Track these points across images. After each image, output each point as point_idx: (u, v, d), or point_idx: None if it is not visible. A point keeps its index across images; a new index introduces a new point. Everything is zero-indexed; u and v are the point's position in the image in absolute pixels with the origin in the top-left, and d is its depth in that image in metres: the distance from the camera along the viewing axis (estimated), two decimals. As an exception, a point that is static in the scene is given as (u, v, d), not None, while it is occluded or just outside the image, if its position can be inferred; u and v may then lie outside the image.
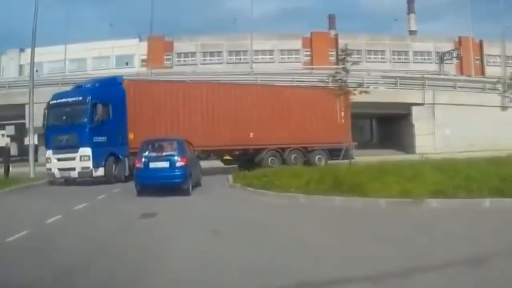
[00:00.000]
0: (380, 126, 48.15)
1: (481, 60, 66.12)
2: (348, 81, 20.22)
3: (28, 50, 56.40)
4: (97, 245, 8.77)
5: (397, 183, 13.79)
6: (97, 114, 21.59)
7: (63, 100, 22.78)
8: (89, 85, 23.66)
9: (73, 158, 21.45)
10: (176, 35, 63.61)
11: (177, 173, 16.22)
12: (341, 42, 61.87)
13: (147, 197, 15.65)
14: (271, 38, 63.29)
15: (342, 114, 28.83)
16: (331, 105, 28.40)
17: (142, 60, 57.66)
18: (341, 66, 19.71)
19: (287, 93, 29.29)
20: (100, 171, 21.45)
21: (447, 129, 41.04)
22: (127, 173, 22.07)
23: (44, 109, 23.20)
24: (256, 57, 60.46)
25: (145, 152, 16.76)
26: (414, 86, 42.59)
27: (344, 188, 13.80)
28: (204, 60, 61.68)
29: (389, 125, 46.05)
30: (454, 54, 60.91)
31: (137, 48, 53.88)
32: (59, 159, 21.92)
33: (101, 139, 21.76)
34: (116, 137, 22.34)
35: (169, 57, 61.94)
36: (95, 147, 21.41)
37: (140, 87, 25.13)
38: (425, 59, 66.36)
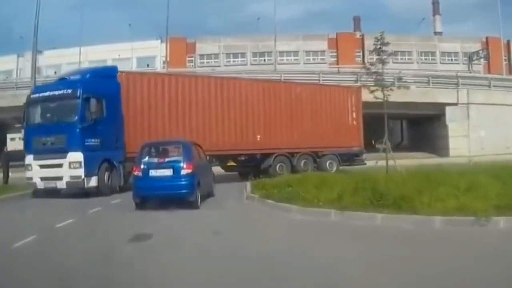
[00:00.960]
0: (411, 127, 45.14)
1: (509, 60, 63.44)
2: (385, 74, 16.98)
3: (46, 52, 56.35)
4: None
5: (451, 196, 11.01)
6: (90, 111, 17.38)
7: (48, 93, 18.24)
8: (78, 76, 19.29)
9: (60, 165, 17.19)
10: (199, 37, 61.51)
11: (183, 182, 13.27)
12: (367, 43, 59.72)
13: (147, 211, 12.88)
14: (295, 39, 61.76)
15: (354, 115, 26.09)
16: (342, 105, 25.95)
17: (164, 62, 55.29)
18: (376, 57, 16.61)
19: (297, 90, 25.47)
20: (93, 181, 17.28)
21: (482, 130, 38.01)
22: (122, 182, 18.49)
23: (24, 105, 19.12)
24: (281, 58, 58.74)
25: (144, 157, 13.88)
26: (447, 85, 39.38)
27: (386, 201, 10.78)
28: (227, 61, 59.54)
29: (420, 127, 43.00)
30: (481, 54, 59.42)
31: (158, 50, 51.74)
32: (42, 166, 17.62)
33: (94, 141, 17.70)
34: (111, 139, 18.40)
35: (192, 58, 59.77)
36: (87, 151, 17.26)
37: (137, 80, 20.78)
38: (452, 59, 64.57)
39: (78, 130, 17.31)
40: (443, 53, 65.01)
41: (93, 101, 17.43)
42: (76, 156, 17.07)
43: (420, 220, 9.88)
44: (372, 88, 16.50)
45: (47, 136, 17.62)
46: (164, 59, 54.44)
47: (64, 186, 17.33)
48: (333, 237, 9.28)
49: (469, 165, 16.60)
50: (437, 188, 11.67)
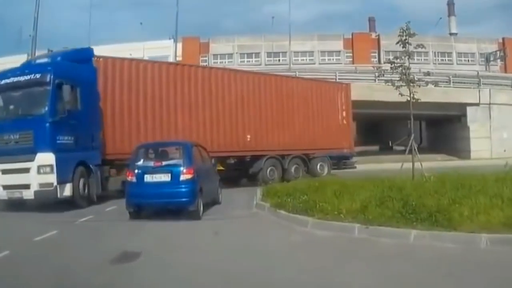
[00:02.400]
0: (430, 128, 43.32)
1: (525, 60, 61.10)
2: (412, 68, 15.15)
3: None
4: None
5: (494, 207, 9.20)
6: (63, 101, 13.64)
7: (10, 80, 14.27)
8: (47, 59, 15.47)
9: (27, 170, 13.38)
10: (213, 37, 60.17)
11: (182, 189, 11.47)
12: (383, 43, 58.15)
13: (142, 221, 11.19)
14: (310, 39, 60.12)
15: (344, 114, 23.99)
16: (332, 102, 23.64)
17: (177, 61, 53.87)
18: (402, 49, 14.80)
19: (289, 85, 22.62)
20: (68, 190, 13.60)
21: (504, 131, 36.33)
22: (100, 190, 15.09)
23: None
24: (296, 58, 57.34)
25: (139, 160, 12.09)
26: (469, 85, 37.55)
27: (420, 214, 8.96)
28: (241, 61, 57.97)
29: (440, 128, 41.17)
30: (498, 55, 58.16)
31: (171, 49, 50.23)
32: (3, 172, 13.71)
33: (68, 139, 14.04)
34: (86, 137, 14.86)
35: (205, 58, 58.16)
36: (60, 152, 13.47)
37: (117, 67, 17.29)
38: (468, 60, 62.69)
39: (48, 125, 13.53)
40: (459, 54, 63.52)
41: (66, 88, 13.72)
42: (47, 158, 13.28)
43: (462, 238, 8.11)
44: (397, 84, 14.68)
45: (10, 134, 13.88)
46: (177, 59, 53.12)
47: (32, 196, 13.36)
48: (359, 259, 7.48)
49: (505, 169, 14.67)
50: (476, 198, 9.92)
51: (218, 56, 58.37)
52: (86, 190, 14.28)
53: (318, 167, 22.06)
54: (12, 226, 10.96)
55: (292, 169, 21.04)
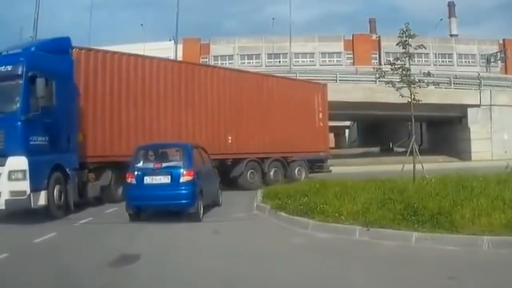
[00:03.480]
0: (431, 130, 43.13)
1: (526, 62, 61.32)
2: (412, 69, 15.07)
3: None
4: None
5: (496, 209, 9.17)
6: (37, 96, 11.88)
7: None
8: (19, 50, 13.24)
9: None
10: (213, 38, 60.14)
11: (182, 191, 11.33)
12: (383, 44, 58.12)
13: (142, 224, 11.08)
14: (311, 40, 60.40)
15: (321, 115, 22.99)
16: (310, 103, 22.59)
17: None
18: (402, 51, 14.75)
19: (269, 83, 21.50)
20: (42, 198, 11.74)
21: (505, 133, 36.20)
22: (77, 198, 13.23)
23: None
24: (296, 59, 57.52)
25: (139, 162, 11.95)
26: (469, 87, 37.45)
27: (422, 216, 8.90)
28: (242, 63, 57.97)
29: (440, 129, 41.00)
30: (498, 57, 58.81)
31: (171, 50, 50.17)
32: None
33: (42, 140, 12.25)
34: (63, 137, 13.03)
35: (206, 59, 58.12)
36: (33, 155, 11.62)
37: (99, 60, 15.75)
38: (469, 61, 63.13)
39: (20, 123, 11.75)
40: (460, 55, 63.89)
41: (40, 82, 11.92)
42: (18, 162, 11.48)
43: (464, 240, 8.07)
44: (398, 85, 14.61)
45: None
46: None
47: (3, 206, 11.53)
48: (360, 262, 7.42)
49: (506, 171, 14.64)
50: (477, 200, 9.91)
51: (219, 57, 58.43)
52: (62, 198, 12.49)
53: (296, 171, 21.23)
54: (12, 228, 10.87)
55: (272, 173, 20.18)
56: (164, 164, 11.82)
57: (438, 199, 10.11)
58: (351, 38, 61.89)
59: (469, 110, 36.48)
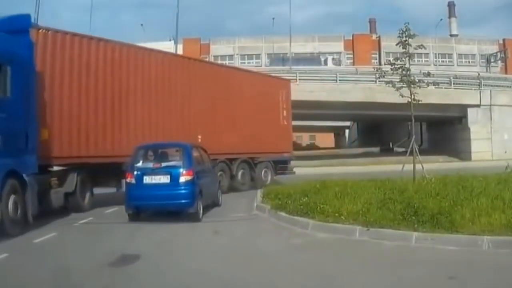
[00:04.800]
0: (431, 130, 43.04)
1: (525, 62, 61.32)
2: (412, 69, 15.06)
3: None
4: None
5: (496, 209, 9.15)
6: None
7: None
8: None
9: None
10: (213, 38, 60.21)
11: (181, 191, 11.33)
12: (384, 44, 58.09)
13: (142, 223, 11.07)
14: (311, 40, 60.31)
15: (285, 113, 21.74)
16: (275, 100, 21.36)
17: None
18: (402, 51, 14.74)
19: (237, 77, 20.30)
20: None
21: (505, 133, 36.16)
22: (36, 209, 10.54)
23: None
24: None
25: (138, 162, 11.92)
26: (469, 87, 37.33)
27: (422, 216, 8.89)
28: (242, 62, 57.88)
29: (440, 129, 40.88)
30: (498, 57, 58.62)
31: (171, 50, 50.08)
32: None
33: None
34: (19, 136, 10.60)
35: (205, 59, 58.10)
36: None
37: (66, 43, 13.38)
38: (469, 61, 63.22)
39: None
40: (460, 55, 63.92)
41: None
42: None
43: (464, 240, 8.06)
44: (398, 85, 14.61)
45: None
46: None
47: None
48: (360, 262, 7.43)
49: (506, 171, 14.64)
50: (477, 200, 9.91)
51: (219, 57, 58.31)
52: (19, 211, 10.01)
53: (262, 173, 20.13)
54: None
55: (239, 176, 18.96)
56: (163, 164, 11.77)
57: (438, 199, 10.10)
58: (351, 38, 61.88)
59: (469, 110, 36.37)
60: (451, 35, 69.03)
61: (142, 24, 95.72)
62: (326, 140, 68.28)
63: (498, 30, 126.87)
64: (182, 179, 11.36)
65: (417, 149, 15.49)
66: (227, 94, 18.88)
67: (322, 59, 54.79)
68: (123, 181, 12.27)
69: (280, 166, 21.10)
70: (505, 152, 33.24)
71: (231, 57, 59.28)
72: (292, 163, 22.03)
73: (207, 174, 13.15)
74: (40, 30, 12.76)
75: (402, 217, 9.05)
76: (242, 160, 19.09)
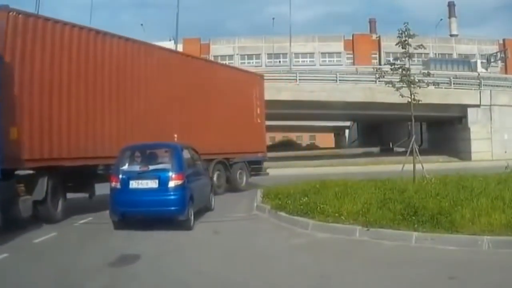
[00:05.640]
0: (431, 130, 42.97)
1: (526, 61, 61.41)
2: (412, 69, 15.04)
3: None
4: None
5: (496, 209, 9.16)
6: None
7: None
8: None
9: None
10: (213, 37, 60.30)
11: (170, 197, 10.29)
12: (384, 44, 58.14)
13: (141, 223, 10.44)
14: (311, 40, 60.35)
15: (258, 111, 20.50)
16: (249, 96, 20.10)
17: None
18: (402, 50, 14.73)
19: (212, 71, 18.72)
20: None
21: (505, 133, 36.06)
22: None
23: None
24: (296, 60, 57.34)
25: (124, 164, 10.81)
26: (469, 86, 37.27)
27: (422, 216, 8.90)
28: (242, 63, 57.98)
29: (440, 129, 40.82)
30: (498, 57, 58.91)
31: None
32: None
33: None
34: None
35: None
36: None
37: (38, 29, 11.48)
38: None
39: None
40: (460, 55, 63.79)
41: None
42: None
43: (464, 240, 8.05)
44: (398, 85, 14.59)
45: None
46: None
47: None
48: (360, 262, 7.43)
49: (506, 171, 14.63)
50: (477, 200, 9.91)
51: (219, 57, 58.40)
52: None
53: (238, 174, 18.87)
54: (12, 228, 10.80)
55: (215, 178, 17.22)
56: (151, 167, 10.70)
57: (438, 199, 10.11)
58: (351, 38, 62.04)
59: (469, 110, 36.28)
60: (451, 35, 69.13)
61: (142, 24, 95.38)
62: (326, 140, 68.28)
63: (498, 30, 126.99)
64: (171, 184, 10.35)
65: (417, 149, 15.45)
66: (202, 89, 17.46)
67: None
68: (110, 185, 10.64)
69: (254, 167, 19.90)
70: (505, 152, 33.18)
71: (231, 57, 59.38)
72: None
73: (198, 177, 12.17)
74: (11, 13, 10.88)
75: (402, 217, 9.05)
76: (218, 161, 17.74)
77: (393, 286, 6.26)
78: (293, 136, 70.14)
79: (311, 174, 21.56)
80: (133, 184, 10.40)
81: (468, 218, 8.72)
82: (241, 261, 7.69)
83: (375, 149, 45.30)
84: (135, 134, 13.81)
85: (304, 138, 73.40)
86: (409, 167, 15.29)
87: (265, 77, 22.93)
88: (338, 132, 64.91)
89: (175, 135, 15.40)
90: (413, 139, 15.49)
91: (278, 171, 24.57)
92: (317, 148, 59.97)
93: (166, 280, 6.62)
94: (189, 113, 16.67)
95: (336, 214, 9.83)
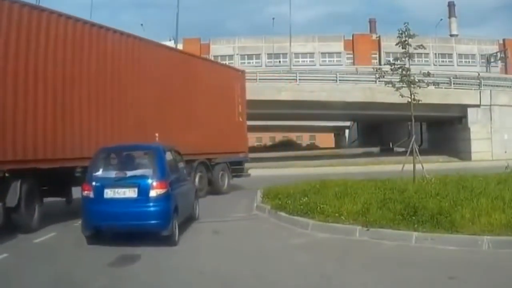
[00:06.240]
0: (430, 130, 42.91)
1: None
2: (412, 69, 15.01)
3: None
4: None
5: (496, 209, 9.17)
6: None
7: None
8: None
9: None
10: (213, 38, 60.33)
11: (151, 208, 8.75)
12: (384, 44, 58.09)
13: (104, 247, 8.60)
14: (311, 40, 60.40)
15: (240, 108, 19.58)
16: (231, 93, 19.12)
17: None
18: (402, 50, 14.70)
19: (194, 66, 17.56)
20: None
21: (505, 133, 35.92)
22: None
23: None
24: (296, 60, 57.40)
25: (97, 170, 9.24)
26: (469, 86, 37.18)
27: (422, 216, 8.90)
28: (242, 63, 57.87)
29: (440, 129, 40.75)
30: (498, 57, 59.10)
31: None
32: None
33: None
34: None
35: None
36: None
37: (14, 14, 10.34)
38: (469, 61, 63.49)
39: None
40: (460, 55, 64.00)
41: None
42: None
43: (464, 240, 8.06)
44: (398, 85, 14.57)
45: None
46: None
47: None
48: (359, 262, 7.45)
49: (506, 171, 14.62)
50: (477, 200, 9.91)
51: (219, 57, 58.36)
52: None
53: (220, 176, 17.91)
54: (12, 228, 10.74)
55: (197, 180, 16.19)
56: (129, 173, 9.13)
57: (438, 199, 10.11)
58: (351, 38, 61.95)
59: (469, 110, 36.17)
60: (451, 35, 69.03)
61: (142, 24, 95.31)
62: (326, 140, 68.28)
63: (498, 30, 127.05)
64: (153, 193, 8.82)
65: (417, 149, 15.44)
66: (183, 84, 16.46)
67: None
68: (82, 194, 9.14)
69: (235, 168, 18.94)
70: (505, 152, 33.08)
71: (231, 57, 59.28)
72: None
73: (183, 183, 10.62)
74: None
75: (402, 217, 9.06)
76: (200, 161, 16.75)
77: (393, 286, 6.27)
78: (293, 136, 70.15)
79: (311, 174, 21.49)
80: (109, 193, 8.87)
81: (468, 218, 8.74)
82: (241, 261, 7.70)
83: (375, 149, 45.27)
84: (115, 133, 12.84)
85: (304, 138, 73.37)
86: (409, 167, 15.28)
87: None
88: (338, 132, 64.91)
89: (157, 134, 14.47)
90: (413, 139, 15.48)
91: (278, 171, 24.59)
92: (317, 148, 59.98)
93: (166, 280, 6.65)
94: (170, 110, 15.59)
95: (336, 214, 9.84)
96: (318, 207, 10.43)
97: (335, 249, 8.40)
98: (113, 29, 13.65)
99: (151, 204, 8.80)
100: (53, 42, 11.23)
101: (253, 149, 58.45)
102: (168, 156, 10.08)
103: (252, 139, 70.63)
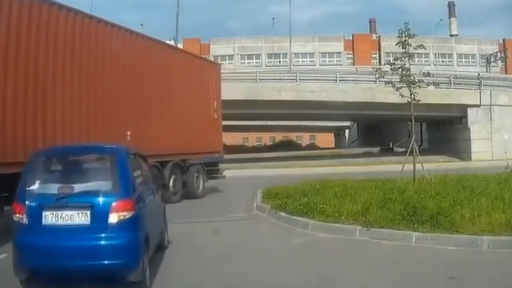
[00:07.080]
0: (430, 130, 42.95)
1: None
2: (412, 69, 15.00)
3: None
4: None
5: (496, 209, 9.17)
6: None
7: None
8: None
9: None
10: (213, 38, 60.30)
11: (112, 241, 5.89)
12: (384, 44, 58.12)
13: None
14: (311, 40, 60.38)
15: (215, 104, 18.15)
16: (205, 88, 17.65)
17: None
18: (402, 50, 14.69)
19: (169, 57, 16.04)
20: None
21: (505, 133, 35.92)
22: None
23: None
24: (296, 60, 57.34)
25: (33, 183, 6.17)
26: (469, 86, 37.18)
27: (422, 216, 8.88)
28: (242, 63, 58.08)
29: (440, 129, 40.81)
30: (498, 57, 58.58)
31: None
32: None
33: None
34: None
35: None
36: None
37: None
38: (469, 61, 63.77)
39: None
40: (460, 55, 64.06)
41: None
42: None
43: (464, 240, 8.04)
44: (398, 85, 14.56)
45: None
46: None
47: None
48: (360, 262, 7.44)
49: (506, 171, 14.63)
50: (478, 200, 9.91)
51: (219, 57, 58.37)
52: None
53: (194, 179, 16.47)
54: (12, 228, 10.72)
55: (171, 183, 15.10)
56: (78, 187, 6.11)
57: (438, 199, 10.10)
58: (351, 38, 62.01)
59: (469, 110, 36.17)
60: (451, 35, 69.08)
61: (142, 24, 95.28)
62: (326, 140, 68.33)
63: (498, 30, 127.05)
64: (113, 218, 5.93)
65: (417, 149, 15.42)
66: (157, 77, 14.91)
67: None
68: (13, 218, 6.33)
69: (210, 169, 17.58)
70: (505, 152, 33.02)
71: (231, 57, 59.41)
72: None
73: (150, 200, 7.45)
74: None
75: (402, 217, 9.04)
76: (174, 163, 15.39)
77: (393, 286, 6.27)
78: (293, 136, 70.18)
79: (311, 174, 21.46)
80: (49, 217, 5.97)
81: (468, 218, 8.73)
82: (241, 260, 7.68)
83: (375, 149, 45.30)
84: (83, 131, 11.46)
85: (304, 138, 73.38)
86: (409, 167, 15.26)
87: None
88: (338, 132, 64.97)
89: (128, 133, 12.91)
90: (413, 139, 15.46)
91: (278, 171, 24.57)
92: (317, 148, 60.02)
93: (166, 280, 6.63)
94: (144, 104, 14.14)
95: (336, 214, 9.83)
96: (318, 207, 10.42)
97: (335, 249, 8.40)
98: (66, 7, 11.20)
99: (110, 234, 5.90)
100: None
101: (253, 149, 58.74)
102: (133, 162, 7.00)
103: (252, 139, 70.94)
